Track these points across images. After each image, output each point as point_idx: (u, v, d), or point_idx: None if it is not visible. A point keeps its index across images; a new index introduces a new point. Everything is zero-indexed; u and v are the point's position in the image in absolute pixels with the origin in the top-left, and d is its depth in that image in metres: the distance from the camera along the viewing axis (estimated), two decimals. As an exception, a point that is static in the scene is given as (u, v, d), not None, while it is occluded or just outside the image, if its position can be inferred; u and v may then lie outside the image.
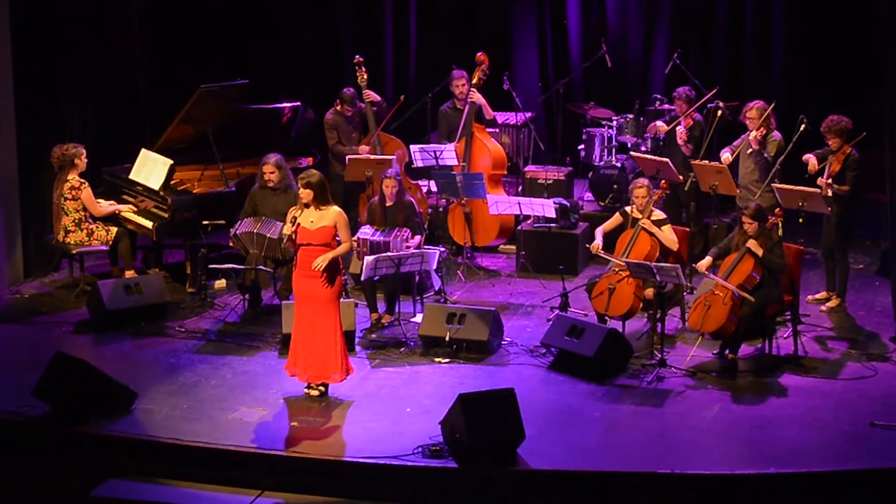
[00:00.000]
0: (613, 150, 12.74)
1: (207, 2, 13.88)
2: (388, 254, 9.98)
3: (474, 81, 12.05)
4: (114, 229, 11.02)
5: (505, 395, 8.06)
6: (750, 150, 10.84)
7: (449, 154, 11.71)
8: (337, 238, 8.66)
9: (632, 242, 9.86)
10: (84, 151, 10.97)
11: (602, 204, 12.40)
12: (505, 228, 12.08)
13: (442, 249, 10.93)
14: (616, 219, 10.21)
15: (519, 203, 11.34)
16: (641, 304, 9.76)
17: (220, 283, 11.14)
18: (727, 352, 9.43)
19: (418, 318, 10.18)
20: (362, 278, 9.98)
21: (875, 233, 11.81)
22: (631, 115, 12.66)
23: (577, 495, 7.83)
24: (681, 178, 11.17)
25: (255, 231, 10.31)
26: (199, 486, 7.97)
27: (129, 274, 10.89)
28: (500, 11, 14.59)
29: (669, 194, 10.97)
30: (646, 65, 14.29)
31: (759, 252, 9.27)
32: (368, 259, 9.77)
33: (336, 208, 8.70)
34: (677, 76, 12.87)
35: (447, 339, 9.64)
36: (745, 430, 8.44)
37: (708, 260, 9.54)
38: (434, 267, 10.41)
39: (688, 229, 10.63)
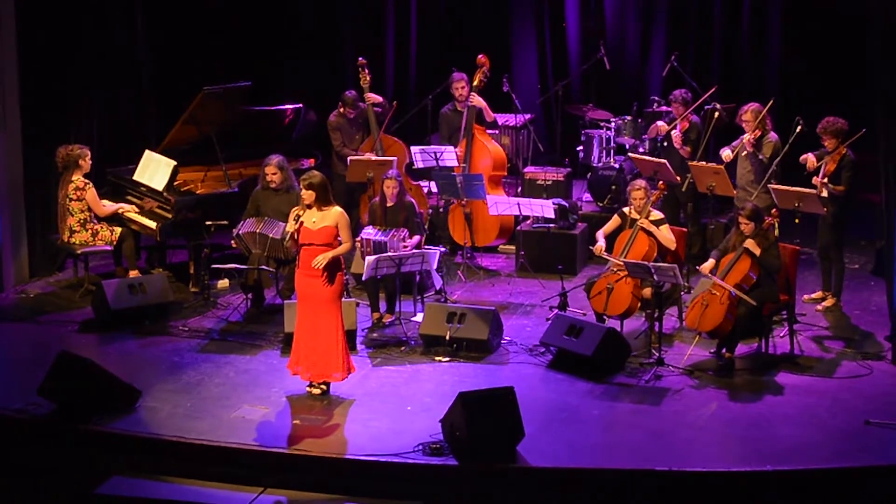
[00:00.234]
0: (612, 151, 12.75)
1: (211, 5, 13.89)
2: (389, 254, 10.00)
3: (475, 84, 12.09)
4: (118, 230, 11.02)
5: (504, 393, 8.08)
6: (745, 152, 10.91)
7: (449, 155, 11.75)
8: (338, 238, 8.68)
9: (630, 243, 9.88)
10: (89, 153, 10.99)
11: (600, 205, 12.41)
12: (505, 229, 12.11)
13: (442, 249, 10.97)
14: (615, 220, 10.24)
15: (518, 204, 11.36)
16: (639, 304, 9.79)
17: (223, 283, 11.14)
18: (724, 350, 9.44)
19: (419, 317, 10.20)
20: (363, 278, 10.00)
21: (870, 233, 11.84)
22: (629, 117, 12.68)
23: (576, 492, 7.84)
24: (678, 179, 11.21)
25: (257, 231, 10.33)
26: (203, 483, 7.99)
27: (133, 274, 10.90)
28: (499, 15, 14.61)
29: (667, 195, 11.03)
30: (643, 67, 14.31)
31: (757, 251, 9.31)
32: (370, 259, 9.78)
33: (337, 209, 8.73)
34: (674, 78, 12.92)
35: (447, 338, 9.66)
36: (741, 427, 8.46)
37: (710, 262, 9.55)
38: (435, 267, 10.45)
39: (685, 230, 10.66)
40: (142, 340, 10.00)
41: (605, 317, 9.83)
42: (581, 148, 13.01)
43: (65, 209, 10.92)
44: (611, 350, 9.36)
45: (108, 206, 11.08)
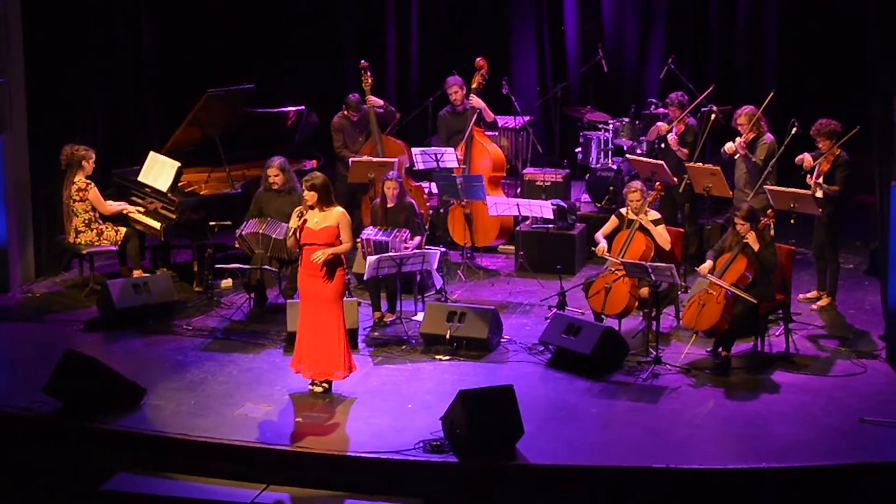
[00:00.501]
0: (609, 152, 12.78)
1: (214, 8, 13.91)
2: (391, 254, 10.03)
3: (474, 86, 12.13)
4: (123, 230, 11.06)
5: (504, 391, 8.10)
6: (737, 155, 10.99)
7: (449, 157, 11.80)
8: (340, 238, 8.72)
9: (627, 243, 9.90)
10: (93, 156, 11.00)
11: (598, 205, 12.44)
12: (504, 229, 12.15)
13: (443, 249, 11.02)
14: (612, 221, 10.27)
15: (518, 204, 11.40)
16: (637, 303, 9.80)
17: (227, 283, 11.16)
18: (720, 349, 9.48)
19: (419, 316, 10.24)
20: (365, 277, 10.04)
21: (864, 233, 11.86)
22: (627, 119, 12.70)
23: (575, 489, 7.88)
24: (675, 180, 11.27)
25: (260, 232, 10.38)
26: (206, 479, 8.00)
27: (138, 273, 10.94)
28: (499, 18, 14.62)
29: (665, 196, 11.08)
30: (641, 70, 14.33)
31: (756, 246, 9.31)
32: (371, 259, 9.81)
33: (339, 209, 8.77)
34: (672, 81, 12.95)
35: (448, 336, 9.70)
36: (738, 425, 8.49)
37: (709, 264, 9.56)
38: (435, 267, 10.49)
39: (682, 230, 10.69)
40: (146, 339, 10.02)
41: (603, 316, 9.85)
42: (579, 149, 13.04)
43: (69, 210, 10.96)
44: (609, 349, 9.40)
45: (112, 206, 11.11)
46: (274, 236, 10.33)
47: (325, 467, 8.06)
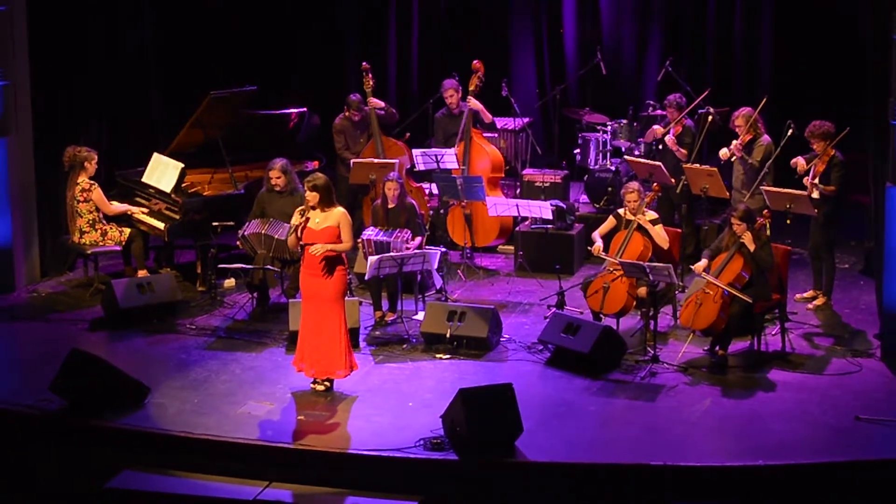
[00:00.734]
0: (608, 154, 12.83)
1: (218, 11, 13.94)
2: (392, 254, 10.08)
3: (471, 88, 12.16)
4: (127, 230, 11.10)
5: (503, 389, 8.13)
6: (734, 157, 11.05)
7: (450, 158, 11.84)
8: (341, 238, 8.77)
9: (625, 243, 9.92)
10: (95, 157, 11.04)
11: (597, 206, 12.48)
12: (504, 229, 12.19)
13: (443, 249, 11.04)
14: (610, 221, 10.29)
15: (517, 205, 11.44)
16: (635, 303, 9.83)
17: (230, 282, 11.20)
18: (717, 348, 9.52)
19: (420, 315, 10.29)
20: (366, 277, 10.08)
21: (860, 233, 11.90)
22: (625, 121, 12.74)
23: (573, 486, 7.91)
24: (673, 181, 11.31)
25: (262, 232, 10.42)
26: (210, 477, 8.03)
27: (142, 273, 10.98)
28: (499, 21, 14.63)
29: (662, 196, 11.09)
30: (639, 72, 14.33)
31: (752, 246, 9.35)
32: (372, 259, 9.84)
33: (340, 209, 8.81)
34: (669, 83, 12.96)
35: (448, 335, 9.74)
36: (734, 423, 8.52)
37: (703, 262, 9.59)
38: (435, 266, 10.52)
39: (680, 230, 10.72)
40: (150, 338, 10.05)
41: (601, 315, 9.87)
42: (578, 151, 13.07)
43: (73, 210, 10.99)
44: (607, 347, 9.43)
45: (115, 206, 11.15)
46: (276, 237, 10.37)
47: (326, 465, 8.08)
